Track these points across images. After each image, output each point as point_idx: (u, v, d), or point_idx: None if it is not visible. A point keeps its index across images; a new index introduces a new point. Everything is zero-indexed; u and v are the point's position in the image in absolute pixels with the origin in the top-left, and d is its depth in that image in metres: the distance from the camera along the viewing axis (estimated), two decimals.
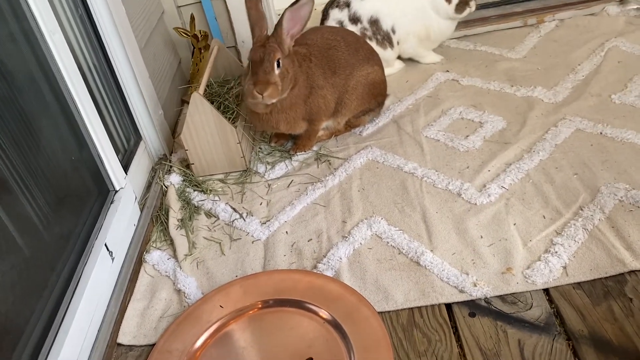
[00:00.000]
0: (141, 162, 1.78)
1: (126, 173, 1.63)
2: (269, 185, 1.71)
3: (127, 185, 1.60)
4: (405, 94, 2.07)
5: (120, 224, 1.50)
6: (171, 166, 1.81)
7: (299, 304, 1.28)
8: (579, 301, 1.21)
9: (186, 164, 1.81)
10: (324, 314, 1.24)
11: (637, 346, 1.10)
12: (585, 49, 2.08)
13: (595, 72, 1.95)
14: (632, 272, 1.24)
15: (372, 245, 1.44)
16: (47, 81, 1.37)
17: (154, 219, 1.65)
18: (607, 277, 1.24)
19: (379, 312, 1.24)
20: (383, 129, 1.89)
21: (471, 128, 1.81)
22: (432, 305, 1.26)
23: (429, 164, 1.67)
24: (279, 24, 1.56)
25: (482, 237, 1.40)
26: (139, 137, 1.82)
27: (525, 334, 1.16)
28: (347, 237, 1.47)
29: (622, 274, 1.24)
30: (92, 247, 1.37)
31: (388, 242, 1.43)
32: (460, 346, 1.17)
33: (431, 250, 1.38)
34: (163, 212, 1.65)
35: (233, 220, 1.59)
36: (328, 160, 1.78)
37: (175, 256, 1.51)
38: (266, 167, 1.78)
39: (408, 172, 1.66)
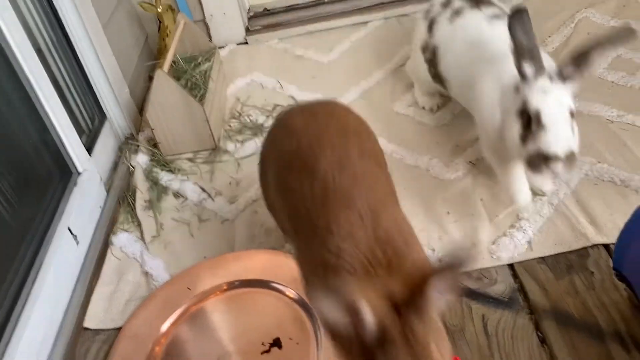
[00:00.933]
0: (106, 143, 1.74)
1: (90, 154, 1.59)
2: (239, 164, 1.69)
3: (91, 166, 1.56)
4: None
5: (84, 206, 1.47)
6: (138, 146, 1.78)
7: (267, 285, 1.27)
8: (543, 276, 1.23)
9: (153, 144, 1.77)
10: (291, 293, 1.24)
11: (597, 319, 1.12)
12: (556, 20, 2.07)
13: (564, 44, 1.94)
14: (595, 245, 1.26)
15: None
16: None
17: (121, 200, 1.62)
18: (570, 252, 1.26)
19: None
20: (352, 104, 1.87)
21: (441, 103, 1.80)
22: None
23: (398, 140, 1.66)
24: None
25: (449, 213, 1.40)
26: (103, 117, 1.77)
27: (490, 309, 1.18)
28: None
29: (585, 248, 1.26)
30: (55, 231, 1.34)
31: None
32: None
33: None
34: (130, 194, 1.63)
35: (202, 201, 1.57)
36: None
37: (142, 238, 1.49)
38: (236, 145, 1.75)
39: None
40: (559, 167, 1.12)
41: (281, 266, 1.30)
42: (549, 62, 1.22)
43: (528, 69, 1.15)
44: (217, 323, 1.23)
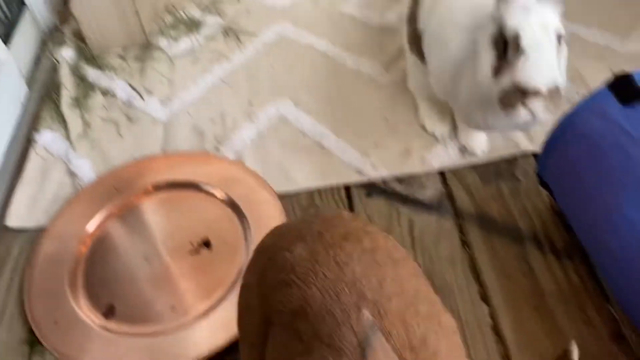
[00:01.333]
0: (27, 33, 1.60)
1: (7, 44, 1.47)
2: (172, 62, 1.60)
3: (8, 57, 1.44)
4: None
5: (1, 100, 1.37)
6: (63, 39, 1.65)
7: (196, 186, 1.25)
8: (471, 182, 1.25)
9: (80, 37, 1.64)
10: (222, 195, 1.22)
11: (518, 224, 1.16)
12: None
13: None
14: (525, 154, 1.28)
15: (277, 128, 1.40)
16: None
17: (45, 97, 1.52)
18: (500, 160, 1.28)
19: (279, 194, 1.24)
20: (295, 4, 1.77)
21: (387, 4, 1.73)
22: (332, 187, 1.27)
23: (342, 43, 1.60)
24: None
25: (386, 118, 1.39)
26: (21, 3, 1.62)
27: (417, 214, 1.20)
28: (252, 119, 1.42)
29: (514, 156, 1.28)
30: None
31: (293, 125, 1.40)
32: None
33: (335, 133, 1.36)
34: (54, 90, 1.52)
35: (131, 100, 1.49)
36: (237, 36, 1.66)
37: (68, 137, 1.41)
38: (169, 42, 1.65)
39: (320, 51, 1.59)
40: (539, 105, 0.92)
41: (212, 168, 1.28)
42: None
43: None
44: (145, 224, 1.21)
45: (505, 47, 0.94)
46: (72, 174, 1.33)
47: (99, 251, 1.16)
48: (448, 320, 0.62)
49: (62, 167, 1.35)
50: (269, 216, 1.17)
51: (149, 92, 1.51)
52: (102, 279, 1.12)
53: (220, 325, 1.02)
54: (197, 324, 1.03)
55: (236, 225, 1.18)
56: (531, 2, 0.95)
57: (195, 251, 1.15)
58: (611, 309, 1.02)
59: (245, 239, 1.15)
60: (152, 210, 1.23)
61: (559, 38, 0.95)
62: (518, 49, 0.92)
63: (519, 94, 0.93)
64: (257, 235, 1.14)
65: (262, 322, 0.65)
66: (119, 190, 1.24)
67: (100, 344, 1.02)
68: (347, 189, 1.27)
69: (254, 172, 1.26)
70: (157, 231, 1.19)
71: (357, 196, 1.25)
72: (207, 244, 1.16)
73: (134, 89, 1.51)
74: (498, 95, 0.96)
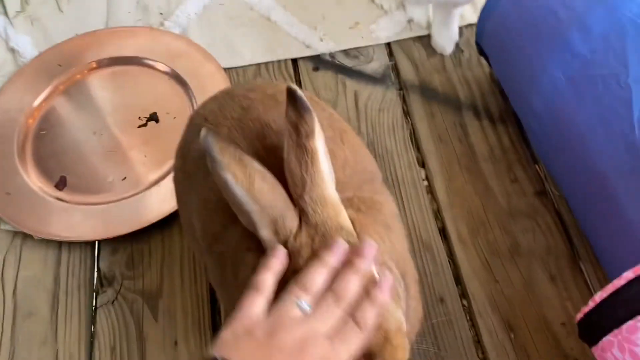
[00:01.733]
0: None
1: None
2: None
3: None
4: None
5: None
6: None
7: (142, 62, 1.24)
8: (417, 54, 1.27)
9: None
10: (167, 69, 1.22)
11: (458, 93, 1.20)
12: None
13: None
14: (470, 25, 1.30)
15: (223, 2, 1.37)
16: None
17: None
18: None
19: (225, 68, 1.24)
20: None
21: None
22: (279, 61, 1.27)
23: None
24: None
25: None
26: None
27: (362, 86, 1.23)
28: None
29: (460, 27, 1.30)
30: None
31: None
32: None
33: (283, 6, 1.34)
34: None
35: None
36: None
37: (5, 13, 1.36)
38: None
39: None
40: None
41: (157, 43, 1.26)
42: None
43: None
44: (92, 99, 1.21)
45: None
46: (12, 51, 1.29)
47: (47, 125, 1.17)
48: (353, 138, 0.74)
49: (2, 44, 1.31)
50: (214, 89, 1.17)
51: None
52: (52, 152, 1.14)
53: (170, 192, 1.06)
54: (148, 192, 1.08)
55: (183, 99, 1.19)
56: None
57: (144, 125, 1.17)
58: (537, 168, 1.10)
59: (192, 112, 1.17)
60: (98, 86, 1.22)
61: None
62: None
63: None
64: None
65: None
66: (63, 66, 1.23)
67: (54, 212, 1.06)
68: (295, 63, 1.28)
69: (199, 46, 1.25)
70: (105, 106, 1.20)
71: (304, 70, 1.27)
72: (155, 117, 1.17)
73: None
74: None
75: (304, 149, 0.57)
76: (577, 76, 0.86)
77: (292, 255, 0.55)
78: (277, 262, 0.54)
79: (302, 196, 0.57)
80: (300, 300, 0.51)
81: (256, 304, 0.52)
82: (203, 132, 0.56)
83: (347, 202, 0.62)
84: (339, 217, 0.58)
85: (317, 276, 0.53)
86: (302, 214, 0.57)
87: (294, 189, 0.58)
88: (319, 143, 0.58)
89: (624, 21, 0.84)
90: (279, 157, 0.60)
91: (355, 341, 0.51)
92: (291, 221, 0.56)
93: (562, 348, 0.94)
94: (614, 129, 0.83)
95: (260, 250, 0.57)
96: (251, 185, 0.54)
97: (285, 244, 0.55)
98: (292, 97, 0.57)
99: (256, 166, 0.57)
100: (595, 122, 0.83)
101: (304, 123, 0.57)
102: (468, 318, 0.99)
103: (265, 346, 0.49)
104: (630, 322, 0.65)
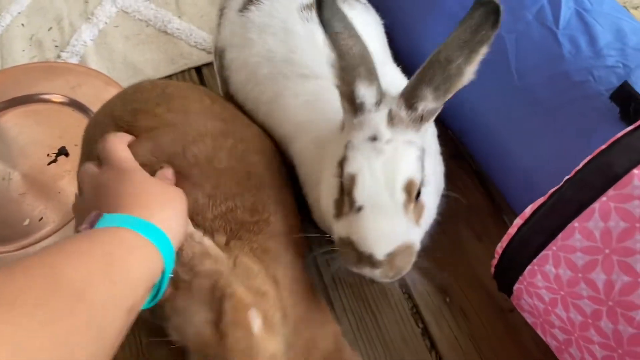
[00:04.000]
0: None
1: None
2: None
3: None
4: None
5: None
6: None
7: (40, 98, 1.21)
8: None
9: None
10: (66, 100, 1.19)
11: None
12: None
13: None
14: None
15: (118, 23, 1.34)
16: None
17: None
18: None
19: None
20: None
21: None
22: (183, 71, 1.26)
23: None
24: None
25: None
26: None
27: None
28: (90, 18, 1.35)
29: None
30: None
31: (135, 16, 1.34)
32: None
33: (179, 17, 1.33)
34: None
35: None
36: None
37: None
38: None
39: None
40: (375, 272, 0.66)
41: (55, 76, 1.23)
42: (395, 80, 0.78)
43: (364, 92, 0.66)
44: None
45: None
46: None
47: None
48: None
49: None
50: None
51: None
52: None
53: None
54: (69, 226, 1.05)
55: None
56: (385, 137, 0.65)
57: (54, 161, 1.14)
58: (450, 132, 1.11)
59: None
60: (2, 130, 1.19)
61: (416, 190, 0.66)
62: (352, 201, 0.65)
63: (355, 250, 0.66)
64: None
65: None
66: None
67: None
68: (199, 71, 1.27)
69: (98, 72, 1.22)
70: (9, 150, 1.16)
71: (209, 76, 1.26)
72: (64, 151, 1.15)
73: None
74: (336, 240, 0.70)
75: None
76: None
77: None
78: None
79: None
80: None
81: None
82: None
83: None
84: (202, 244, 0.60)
85: None
86: None
87: None
88: None
89: None
90: None
91: None
92: None
93: (496, 301, 0.96)
94: (498, 81, 0.84)
95: None
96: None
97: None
98: None
99: None
100: (478, 78, 0.85)
101: None
102: (404, 290, 1.00)
103: None
104: (529, 267, 0.66)
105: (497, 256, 0.72)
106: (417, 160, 0.65)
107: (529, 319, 0.75)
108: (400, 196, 0.64)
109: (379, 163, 0.64)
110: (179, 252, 0.56)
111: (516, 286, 0.71)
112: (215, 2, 1.33)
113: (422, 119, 0.66)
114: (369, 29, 0.89)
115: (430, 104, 0.65)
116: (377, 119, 0.65)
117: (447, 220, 1.04)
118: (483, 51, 0.63)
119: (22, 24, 1.36)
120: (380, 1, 1.02)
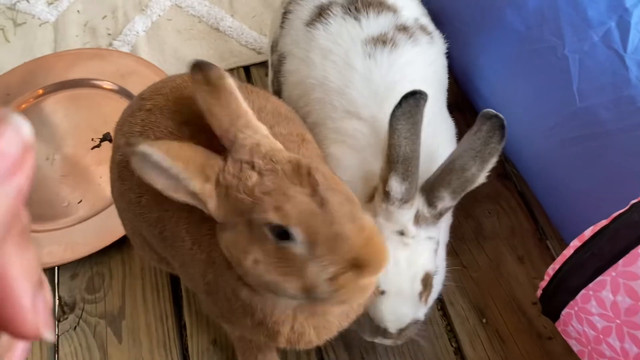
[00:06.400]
0: None
1: None
2: None
3: None
4: None
5: None
6: None
7: (92, 83, 1.22)
8: None
9: None
10: (116, 88, 1.21)
11: None
12: None
13: None
14: None
15: (171, 16, 1.36)
16: None
17: None
18: None
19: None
20: None
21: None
22: (231, 69, 1.27)
23: None
24: None
25: None
26: None
27: None
28: (144, 9, 1.37)
29: None
30: None
31: (188, 11, 1.36)
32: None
33: (231, 15, 1.34)
34: None
35: (15, 3, 1.41)
36: None
37: None
38: None
39: None
40: (387, 341, 0.78)
41: (106, 63, 1.25)
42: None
43: (395, 187, 0.70)
44: (42, 126, 1.18)
45: None
46: None
47: None
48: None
49: None
50: None
51: None
52: None
53: None
54: (106, 212, 1.06)
55: None
56: (412, 233, 0.72)
57: (97, 146, 1.15)
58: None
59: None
60: (48, 112, 1.20)
61: (430, 281, 0.74)
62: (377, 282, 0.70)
63: (371, 323, 0.76)
64: None
65: None
66: (11, 95, 1.21)
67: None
68: (247, 70, 1.27)
69: (149, 62, 1.24)
70: (56, 131, 1.18)
71: (257, 76, 1.26)
72: (108, 137, 1.16)
73: None
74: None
75: (220, 89, 0.59)
76: (514, 54, 0.86)
77: (229, 190, 0.54)
78: None
79: (230, 129, 0.57)
80: None
81: None
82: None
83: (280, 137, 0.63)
84: (269, 139, 0.58)
85: None
86: (232, 148, 0.56)
87: (220, 127, 0.58)
88: (232, 82, 0.60)
89: None
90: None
91: None
92: (217, 160, 0.55)
93: (535, 327, 0.93)
94: (555, 102, 0.82)
95: None
96: (168, 150, 0.53)
97: (217, 184, 0.54)
98: (196, 67, 0.61)
99: (169, 141, 0.59)
100: (535, 98, 0.83)
101: (211, 71, 0.60)
102: (439, 307, 0.97)
103: None
104: (582, 292, 0.64)
105: (547, 278, 0.70)
106: (433, 254, 0.74)
107: (575, 347, 0.73)
108: (418, 286, 0.72)
109: (403, 256, 0.71)
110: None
111: (565, 311, 0.69)
112: (268, 3, 1.35)
113: (440, 215, 0.74)
114: (429, 71, 0.88)
115: (447, 203, 0.73)
116: (406, 216, 0.71)
117: (489, 240, 1.02)
118: (493, 161, 0.72)
119: (78, 11, 1.38)
120: (439, 12, 1.01)
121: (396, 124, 0.70)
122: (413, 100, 0.70)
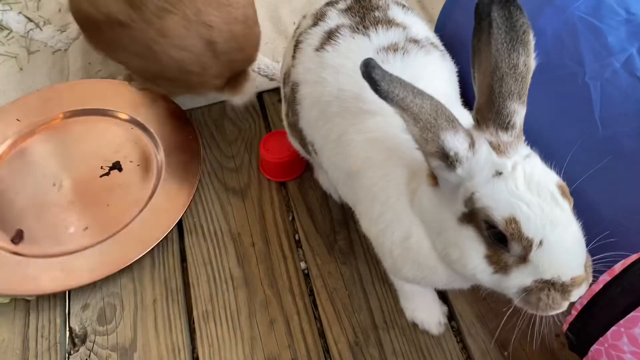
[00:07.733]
0: None
1: None
2: None
3: None
4: None
5: None
6: None
7: (103, 112, 1.22)
8: None
9: None
10: (127, 117, 1.21)
11: None
12: None
13: None
14: None
15: None
16: None
17: None
18: None
19: (188, 109, 1.23)
20: None
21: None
22: None
23: None
24: None
25: (294, 23, 1.36)
26: None
27: None
28: None
29: None
30: None
31: None
32: (268, 126, 1.22)
33: None
34: None
35: (29, 31, 1.42)
36: None
37: None
38: None
39: None
40: (582, 289, 0.62)
41: (119, 94, 1.24)
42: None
43: (454, 142, 0.62)
44: (52, 152, 1.18)
45: (500, 236, 0.62)
46: None
47: (4, 179, 1.14)
48: None
49: None
50: (177, 132, 1.17)
51: (47, 21, 1.43)
52: (8, 205, 1.10)
53: (134, 240, 1.04)
54: (111, 240, 1.04)
55: (146, 145, 1.17)
56: (508, 166, 0.62)
57: (106, 174, 1.14)
58: None
59: (156, 159, 1.15)
60: (59, 139, 1.20)
61: (562, 190, 0.64)
62: (522, 239, 0.61)
63: (544, 287, 0.63)
64: (168, 154, 1.14)
65: None
66: (22, 121, 1.20)
67: (10, 267, 1.01)
68: (260, 96, 1.27)
69: (163, 95, 1.23)
70: (65, 158, 1.17)
71: (269, 102, 1.25)
72: (118, 166, 1.15)
73: (30, 20, 1.44)
74: (516, 296, 0.66)
75: None
76: (533, 82, 0.84)
77: None
78: None
79: None
80: None
81: None
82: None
83: None
84: None
85: None
86: None
87: None
88: None
89: (574, 19, 0.83)
90: None
91: None
92: None
93: None
94: (577, 130, 0.81)
95: None
96: None
97: None
98: None
99: None
100: (557, 127, 0.81)
101: None
102: (458, 340, 0.95)
103: None
104: (613, 328, 0.62)
105: (574, 312, 0.67)
106: (546, 166, 0.65)
107: None
108: (564, 203, 0.62)
109: (523, 189, 0.61)
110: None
111: (594, 347, 0.66)
112: (280, 31, 1.35)
113: (521, 130, 0.65)
114: (442, 72, 0.87)
115: (521, 112, 0.64)
116: (484, 157, 0.63)
117: None
118: (532, 37, 0.63)
119: None
120: (454, 39, 1.00)
121: (395, 95, 0.61)
122: (372, 68, 0.62)
